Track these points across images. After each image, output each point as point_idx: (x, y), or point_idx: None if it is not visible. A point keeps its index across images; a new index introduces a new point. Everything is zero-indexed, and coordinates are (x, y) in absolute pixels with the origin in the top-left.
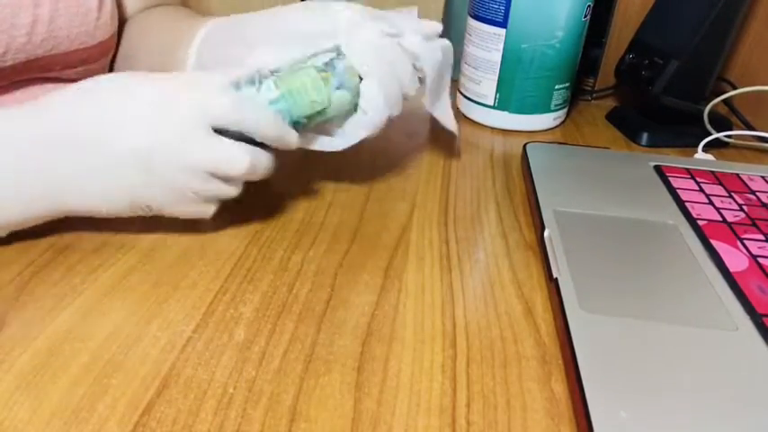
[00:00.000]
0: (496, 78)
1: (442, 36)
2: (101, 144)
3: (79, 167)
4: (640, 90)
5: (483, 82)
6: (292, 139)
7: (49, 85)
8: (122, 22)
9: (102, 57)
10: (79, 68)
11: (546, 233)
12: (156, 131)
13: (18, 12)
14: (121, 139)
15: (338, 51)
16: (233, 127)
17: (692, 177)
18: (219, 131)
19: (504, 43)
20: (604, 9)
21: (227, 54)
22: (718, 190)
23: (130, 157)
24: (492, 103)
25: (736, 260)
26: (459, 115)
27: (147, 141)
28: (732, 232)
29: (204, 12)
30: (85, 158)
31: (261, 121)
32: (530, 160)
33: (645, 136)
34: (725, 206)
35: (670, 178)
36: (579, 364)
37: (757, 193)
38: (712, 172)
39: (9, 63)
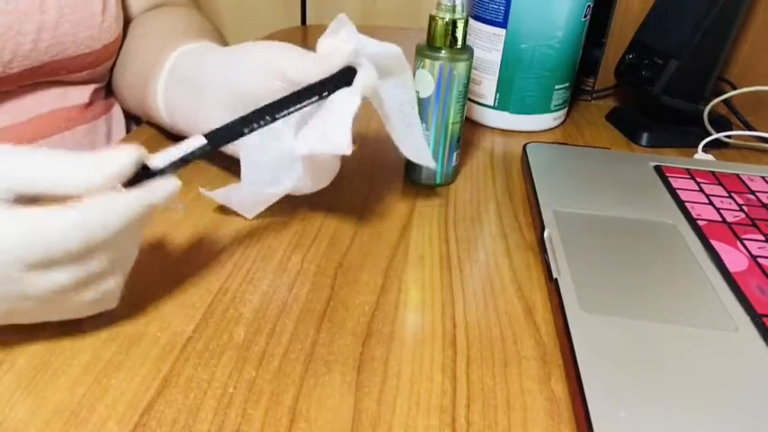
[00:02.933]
0: (496, 78)
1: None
2: None
3: None
4: (640, 90)
5: (483, 82)
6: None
7: (55, 90)
8: (128, 21)
9: (107, 60)
10: (84, 72)
11: (546, 233)
12: None
13: (23, 19)
14: None
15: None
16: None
17: (692, 177)
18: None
19: (504, 43)
20: (604, 9)
21: (188, 102)
22: (718, 190)
23: None
24: (492, 104)
25: (736, 260)
26: None
27: None
28: (732, 232)
29: (211, 10)
30: None
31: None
32: (530, 160)
33: (645, 136)
34: (725, 206)
35: (670, 178)
36: (579, 364)
37: (757, 194)
38: (712, 172)
39: (15, 70)
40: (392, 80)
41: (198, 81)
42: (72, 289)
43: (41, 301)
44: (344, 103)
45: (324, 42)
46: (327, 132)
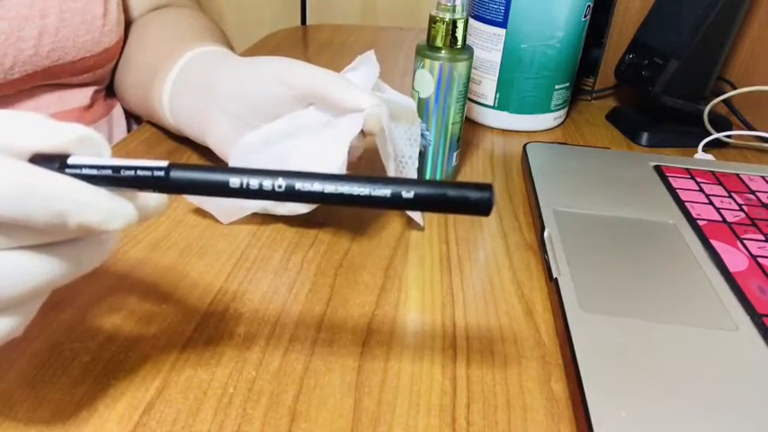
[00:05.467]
0: (496, 78)
1: None
2: None
3: None
4: (640, 90)
5: (483, 82)
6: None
7: (55, 93)
8: (129, 23)
9: (108, 63)
10: (85, 75)
11: (546, 233)
12: None
13: (24, 24)
14: None
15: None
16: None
17: (692, 177)
18: None
19: (504, 43)
20: (604, 9)
21: (195, 104)
22: (718, 190)
23: None
24: (492, 103)
25: (736, 260)
26: None
27: None
28: (732, 232)
29: (212, 9)
30: None
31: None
32: (530, 160)
33: (645, 136)
34: (725, 206)
35: (670, 178)
36: (579, 364)
37: (757, 193)
38: (712, 172)
39: (17, 75)
40: (402, 129)
41: (208, 86)
42: None
43: None
44: (345, 126)
45: (345, 75)
46: (322, 152)
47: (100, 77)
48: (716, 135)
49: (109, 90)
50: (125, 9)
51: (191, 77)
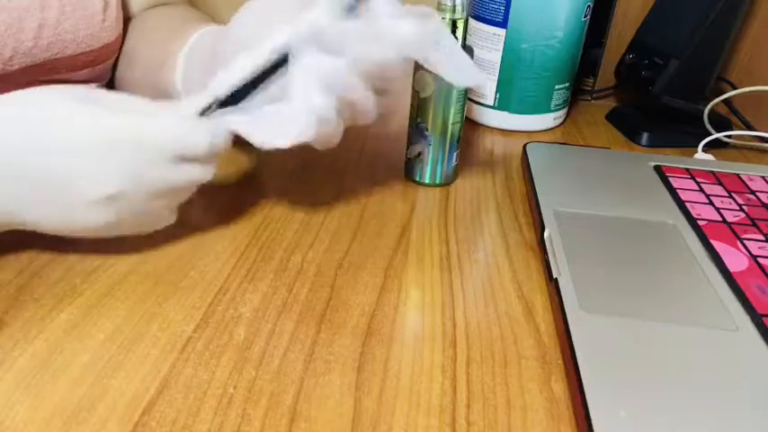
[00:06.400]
0: (496, 78)
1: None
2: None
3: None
4: (640, 90)
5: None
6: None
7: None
8: (127, 20)
9: (107, 59)
10: (84, 71)
11: (546, 233)
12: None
13: (25, 16)
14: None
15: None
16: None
17: (692, 177)
18: None
19: (504, 43)
20: (604, 9)
21: (210, 67)
22: (718, 190)
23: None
24: (492, 103)
25: (736, 260)
26: None
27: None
28: (732, 232)
29: (211, 12)
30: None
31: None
32: (530, 160)
33: (645, 136)
34: (725, 206)
35: (670, 178)
36: (579, 364)
37: (757, 193)
38: (712, 172)
39: (15, 67)
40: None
41: (224, 30)
42: (187, 188)
43: (168, 195)
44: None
45: None
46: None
47: (98, 75)
48: (716, 135)
49: (108, 87)
50: (123, 6)
51: (203, 45)
